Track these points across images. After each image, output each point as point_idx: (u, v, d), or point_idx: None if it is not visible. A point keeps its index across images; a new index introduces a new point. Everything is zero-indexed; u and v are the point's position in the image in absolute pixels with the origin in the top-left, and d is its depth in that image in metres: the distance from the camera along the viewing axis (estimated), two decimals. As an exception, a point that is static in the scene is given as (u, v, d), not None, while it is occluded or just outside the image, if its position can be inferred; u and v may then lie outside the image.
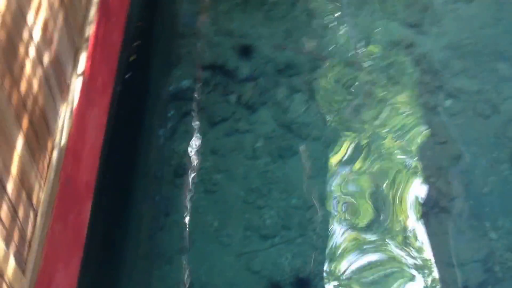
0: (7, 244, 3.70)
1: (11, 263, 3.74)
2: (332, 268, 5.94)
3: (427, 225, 6.08)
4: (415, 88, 6.90)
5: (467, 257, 5.85)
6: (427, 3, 7.70)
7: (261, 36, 7.53)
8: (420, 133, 6.64)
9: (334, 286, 5.87)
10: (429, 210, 6.14)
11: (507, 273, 5.75)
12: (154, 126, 6.99)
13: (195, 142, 6.78)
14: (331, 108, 6.92)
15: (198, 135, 6.82)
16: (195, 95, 7.09)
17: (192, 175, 6.59)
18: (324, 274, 5.91)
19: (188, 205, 6.41)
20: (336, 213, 6.23)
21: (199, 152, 6.70)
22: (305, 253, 6.01)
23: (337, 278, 5.90)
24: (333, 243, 6.08)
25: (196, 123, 6.91)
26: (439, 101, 6.80)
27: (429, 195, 6.23)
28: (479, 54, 7.11)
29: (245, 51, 7.47)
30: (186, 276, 6.00)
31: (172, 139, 6.83)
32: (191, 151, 6.72)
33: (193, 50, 7.55)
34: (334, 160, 6.58)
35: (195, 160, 6.67)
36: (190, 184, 6.53)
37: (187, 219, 6.32)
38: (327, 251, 6.04)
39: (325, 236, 6.13)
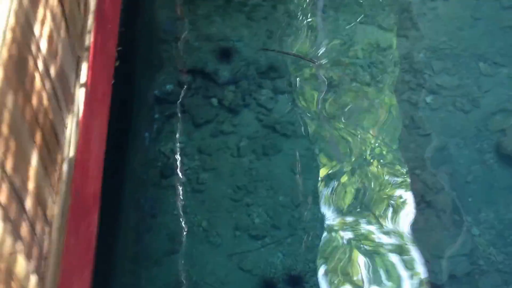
0: (28, 262, 3.60)
1: (32, 280, 3.65)
2: (323, 265, 6.01)
3: (414, 221, 6.19)
4: (397, 86, 7.02)
5: (453, 252, 5.97)
6: (404, 4, 7.77)
7: (242, 39, 7.53)
8: (404, 127, 6.76)
9: (326, 281, 5.95)
10: (416, 206, 6.26)
11: (491, 267, 5.88)
12: (139, 129, 6.92)
13: (180, 143, 6.75)
14: (316, 108, 6.98)
15: (183, 136, 6.79)
16: (179, 99, 7.05)
17: (179, 175, 6.55)
18: (316, 270, 5.97)
19: (176, 206, 6.37)
20: (323, 210, 6.30)
21: (185, 152, 6.67)
22: (296, 251, 6.04)
23: (328, 274, 5.97)
24: (322, 240, 6.14)
25: (181, 125, 6.87)
26: (421, 97, 6.93)
27: (415, 189, 6.34)
28: (459, 56, 7.21)
29: (226, 54, 7.45)
30: (176, 277, 5.95)
31: (157, 141, 6.78)
32: (176, 152, 6.68)
33: (174, 54, 7.49)
34: (319, 157, 6.64)
35: (181, 161, 6.63)
36: (177, 184, 6.49)
37: (175, 220, 6.28)
38: (317, 248, 6.08)
39: (315, 234, 6.16)
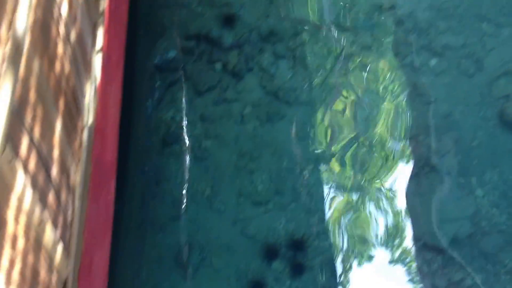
0: (55, 230, 3.51)
1: (59, 248, 3.57)
2: (325, 229, 6.00)
3: (418, 185, 6.20)
4: (400, 48, 6.93)
5: (456, 215, 5.98)
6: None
7: (244, 5, 7.34)
8: (408, 94, 6.70)
9: (327, 245, 5.95)
10: (420, 170, 6.25)
11: (493, 228, 5.91)
12: (142, 97, 6.77)
13: (183, 111, 6.62)
14: (318, 73, 6.86)
15: (185, 104, 6.64)
16: (181, 65, 6.88)
17: (182, 143, 6.44)
18: (318, 234, 5.96)
19: (180, 173, 6.28)
20: (327, 175, 6.27)
21: (188, 120, 6.55)
22: (298, 217, 6.01)
23: (330, 238, 5.97)
24: (325, 206, 6.12)
25: (183, 93, 6.72)
26: (424, 61, 6.87)
27: (419, 154, 6.34)
28: (463, 16, 7.04)
29: (229, 20, 7.27)
30: (180, 243, 5.91)
31: (159, 109, 6.64)
32: (179, 120, 6.56)
33: (177, 20, 7.29)
34: (322, 122, 6.57)
35: (183, 128, 6.52)
36: (180, 152, 6.39)
37: (179, 187, 6.20)
38: (320, 213, 6.07)
39: (318, 199, 6.15)
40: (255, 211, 6.04)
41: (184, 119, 6.57)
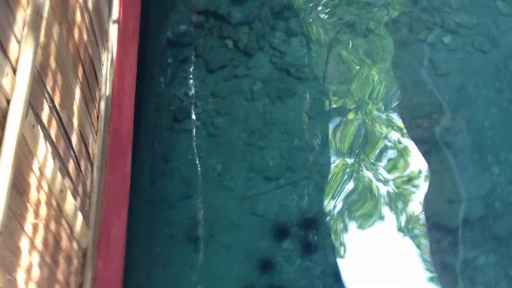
0: (75, 199, 3.48)
1: (79, 217, 3.54)
2: (337, 207, 5.95)
3: (430, 162, 6.12)
4: (414, 25, 6.82)
5: (469, 194, 5.92)
6: None
7: (255, -21, 7.20)
8: (421, 68, 6.61)
9: (339, 224, 5.91)
10: (432, 148, 6.18)
11: (507, 208, 5.83)
12: (154, 73, 6.69)
13: (194, 88, 6.54)
14: (331, 49, 6.77)
15: (197, 80, 6.57)
16: (193, 40, 6.77)
17: (193, 119, 6.38)
18: (330, 213, 5.92)
19: (190, 150, 6.23)
20: (338, 153, 6.21)
21: (199, 96, 6.48)
22: (310, 194, 5.97)
23: (342, 217, 5.92)
24: (337, 183, 6.07)
25: (195, 70, 6.64)
26: (439, 37, 6.77)
27: (431, 132, 6.26)
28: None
29: (239, -5, 7.15)
30: (189, 220, 5.88)
31: (171, 85, 6.58)
32: (190, 96, 6.49)
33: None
34: (334, 99, 6.49)
35: (195, 105, 6.45)
36: (191, 128, 6.33)
37: (189, 164, 6.15)
38: (331, 191, 6.02)
39: (329, 177, 6.09)
40: (266, 186, 5.99)
41: (195, 95, 6.50)
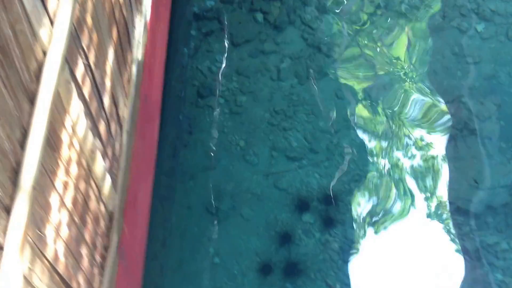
0: (104, 161, 3.37)
1: (108, 180, 3.43)
2: (359, 187, 5.80)
3: (456, 148, 5.94)
4: (448, 11, 6.58)
5: (494, 181, 5.75)
6: None
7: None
8: (453, 54, 6.38)
9: (359, 201, 5.77)
10: (458, 133, 5.99)
11: None
12: (178, 45, 6.53)
13: (218, 62, 6.39)
14: (363, 29, 6.54)
15: (221, 54, 6.41)
16: (219, 15, 6.58)
17: (216, 96, 6.24)
18: (351, 191, 5.78)
19: (213, 125, 6.11)
20: (362, 135, 6.04)
21: (223, 73, 6.33)
22: (332, 173, 5.83)
23: (364, 196, 5.77)
24: (359, 164, 5.91)
25: (219, 43, 6.47)
26: (472, 24, 6.52)
27: (459, 117, 6.06)
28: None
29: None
30: (210, 192, 5.77)
31: (195, 58, 6.42)
32: (215, 71, 6.34)
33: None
34: (364, 82, 6.30)
35: (218, 82, 6.30)
36: (215, 105, 6.20)
37: (212, 138, 6.04)
38: (353, 172, 5.87)
39: (351, 159, 5.94)
40: (289, 165, 5.87)
41: (219, 72, 6.36)
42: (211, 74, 6.33)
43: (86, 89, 3.03)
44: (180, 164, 5.97)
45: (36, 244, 2.61)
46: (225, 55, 6.42)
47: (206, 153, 6.00)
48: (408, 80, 6.26)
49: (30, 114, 2.51)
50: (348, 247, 5.47)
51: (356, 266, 5.46)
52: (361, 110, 6.15)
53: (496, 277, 5.41)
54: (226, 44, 6.50)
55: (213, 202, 5.74)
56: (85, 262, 3.27)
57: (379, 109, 6.15)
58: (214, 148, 6.04)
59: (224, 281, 5.35)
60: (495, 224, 5.59)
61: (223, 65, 6.38)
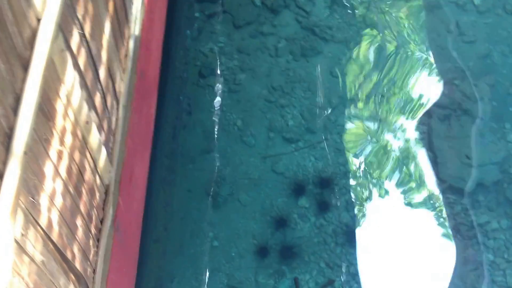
0: (100, 133, 3.32)
1: (103, 153, 3.39)
2: (352, 169, 5.77)
3: (449, 128, 5.91)
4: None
5: (485, 159, 5.74)
6: None
7: None
8: (448, 33, 6.30)
9: (354, 184, 5.74)
10: (451, 113, 5.95)
11: None
12: (180, 26, 6.47)
13: (220, 43, 6.33)
14: (355, 11, 6.46)
15: (223, 36, 6.35)
16: (221, -3, 6.52)
17: (217, 75, 6.20)
18: (345, 173, 5.74)
19: (212, 105, 6.06)
20: (358, 115, 6.00)
21: (224, 52, 6.27)
22: (327, 156, 5.81)
23: (357, 177, 5.75)
24: (355, 145, 5.88)
25: (222, 24, 6.41)
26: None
27: (453, 98, 6.02)
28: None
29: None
30: (210, 175, 5.74)
31: (198, 40, 6.37)
32: (216, 52, 6.28)
33: None
34: (358, 60, 6.24)
35: (220, 60, 6.25)
36: (215, 84, 6.15)
37: (210, 118, 5.99)
38: (348, 153, 5.84)
39: (347, 139, 5.91)
40: (286, 147, 5.84)
41: (221, 51, 6.30)
42: (213, 54, 6.30)
43: (82, 60, 2.97)
44: (180, 146, 5.94)
45: (29, 211, 2.58)
46: (227, 35, 6.37)
47: (204, 134, 5.96)
48: (401, 59, 6.22)
49: (23, 80, 2.46)
50: (342, 230, 5.45)
51: (350, 249, 5.44)
52: (355, 89, 6.11)
53: (488, 257, 5.40)
54: (228, 26, 6.45)
55: (212, 187, 5.72)
56: (80, 233, 3.24)
57: (374, 88, 6.10)
58: (212, 129, 6.00)
59: (223, 262, 5.35)
60: (486, 202, 5.57)
61: (225, 45, 6.33)
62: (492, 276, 5.21)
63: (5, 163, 2.31)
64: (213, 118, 6.02)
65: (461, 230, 5.58)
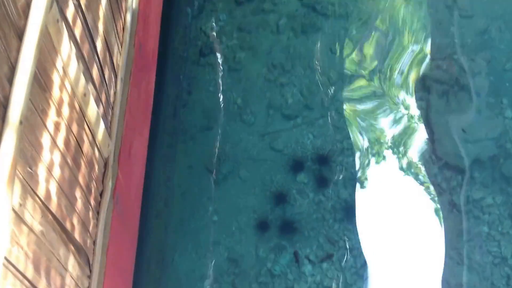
0: (98, 106, 3.26)
1: (102, 125, 3.34)
2: (350, 146, 5.73)
3: (446, 104, 5.84)
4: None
5: (482, 135, 5.68)
6: None
7: None
8: (446, 8, 6.18)
9: (352, 161, 5.70)
10: (449, 89, 5.88)
11: None
12: (181, 5, 6.36)
13: (221, 21, 6.23)
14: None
15: (224, 13, 6.24)
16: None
17: (217, 54, 6.11)
18: (343, 150, 5.70)
19: (212, 83, 5.99)
20: (357, 92, 5.94)
21: (225, 30, 6.18)
22: (326, 133, 5.76)
23: (355, 154, 5.71)
24: (354, 121, 5.82)
25: (223, 2, 6.29)
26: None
27: (450, 73, 5.94)
28: None
29: None
30: (210, 152, 5.70)
31: (198, 18, 6.26)
32: (217, 30, 6.18)
33: None
34: (358, 37, 6.14)
35: (220, 39, 6.16)
36: (215, 62, 6.07)
37: (210, 97, 5.93)
38: (346, 130, 5.78)
39: (345, 116, 5.86)
40: (284, 124, 5.78)
41: (222, 30, 6.20)
42: (213, 32, 6.21)
43: (77, 31, 2.90)
44: (181, 124, 5.88)
45: (27, 181, 2.54)
46: (228, 13, 6.27)
47: (204, 113, 5.90)
48: (401, 34, 6.13)
49: (18, 50, 2.40)
50: (341, 206, 5.42)
51: (349, 224, 5.43)
52: (353, 65, 6.03)
53: (483, 229, 5.38)
54: (229, 3, 6.34)
55: (212, 163, 5.68)
56: (79, 204, 3.21)
57: (371, 65, 6.03)
58: (212, 107, 5.93)
59: (223, 237, 5.34)
60: (481, 179, 5.53)
61: (226, 24, 6.23)
62: (487, 247, 5.20)
63: (0, 132, 2.27)
64: (213, 97, 5.96)
65: (457, 205, 5.55)
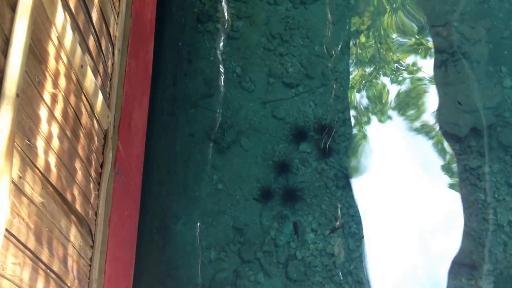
0: (95, 77, 3.20)
1: (100, 97, 3.28)
2: (352, 115, 5.67)
3: (446, 72, 5.76)
4: None
5: (480, 104, 5.61)
6: None
7: None
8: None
9: (353, 131, 5.65)
10: (449, 58, 5.79)
11: None
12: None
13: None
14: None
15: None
16: None
17: (215, 21, 6.00)
18: (345, 120, 5.65)
19: (212, 51, 5.89)
20: (357, 61, 5.85)
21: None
22: (327, 101, 5.69)
23: (356, 124, 5.66)
24: (354, 90, 5.75)
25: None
26: None
27: (450, 41, 5.84)
28: None
29: None
30: (211, 119, 5.64)
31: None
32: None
33: None
34: (357, 6, 6.02)
35: (216, 8, 6.04)
36: (214, 30, 5.96)
37: (210, 65, 5.84)
38: (347, 99, 5.72)
39: (346, 85, 5.78)
40: (286, 92, 5.71)
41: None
42: (210, 1, 6.08)
43: (72, 1, 2.82)
44: (182, 92, 5.81)
45: (26, 154, 2.50)
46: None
47: (204, 81, 5.82)
48: (399, 5, 6.01)
49: (12, 21, 2.34)
50: (343, 174, 5.40)
51: (350, 191, 5.42)
52: (353, 35, 5.93)
53: (479, 197, 5.38)
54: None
55: (214, 131, 5.63)
56: (80, 176, 3.18)
57: (370, 34, 5.93)
58: (212, 75, 5.85)
59: (228, 205, 5.33)
60: (477, 148, 5.51)
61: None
62: (483, 215, 5.21)
63: (-3, 106, 2.22)
64: (213, 65, 5.87)
65: (454, 173, 5.55)
